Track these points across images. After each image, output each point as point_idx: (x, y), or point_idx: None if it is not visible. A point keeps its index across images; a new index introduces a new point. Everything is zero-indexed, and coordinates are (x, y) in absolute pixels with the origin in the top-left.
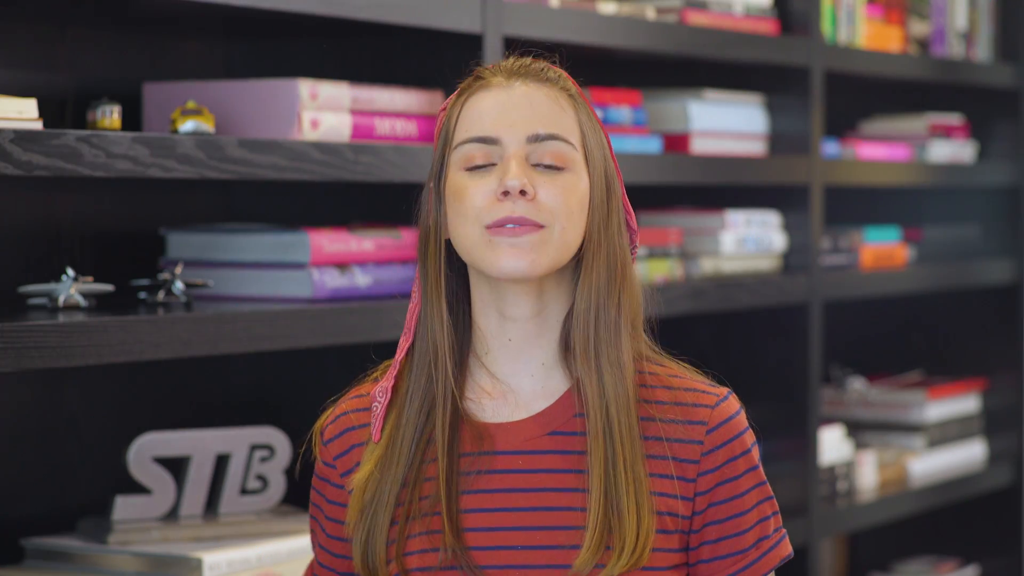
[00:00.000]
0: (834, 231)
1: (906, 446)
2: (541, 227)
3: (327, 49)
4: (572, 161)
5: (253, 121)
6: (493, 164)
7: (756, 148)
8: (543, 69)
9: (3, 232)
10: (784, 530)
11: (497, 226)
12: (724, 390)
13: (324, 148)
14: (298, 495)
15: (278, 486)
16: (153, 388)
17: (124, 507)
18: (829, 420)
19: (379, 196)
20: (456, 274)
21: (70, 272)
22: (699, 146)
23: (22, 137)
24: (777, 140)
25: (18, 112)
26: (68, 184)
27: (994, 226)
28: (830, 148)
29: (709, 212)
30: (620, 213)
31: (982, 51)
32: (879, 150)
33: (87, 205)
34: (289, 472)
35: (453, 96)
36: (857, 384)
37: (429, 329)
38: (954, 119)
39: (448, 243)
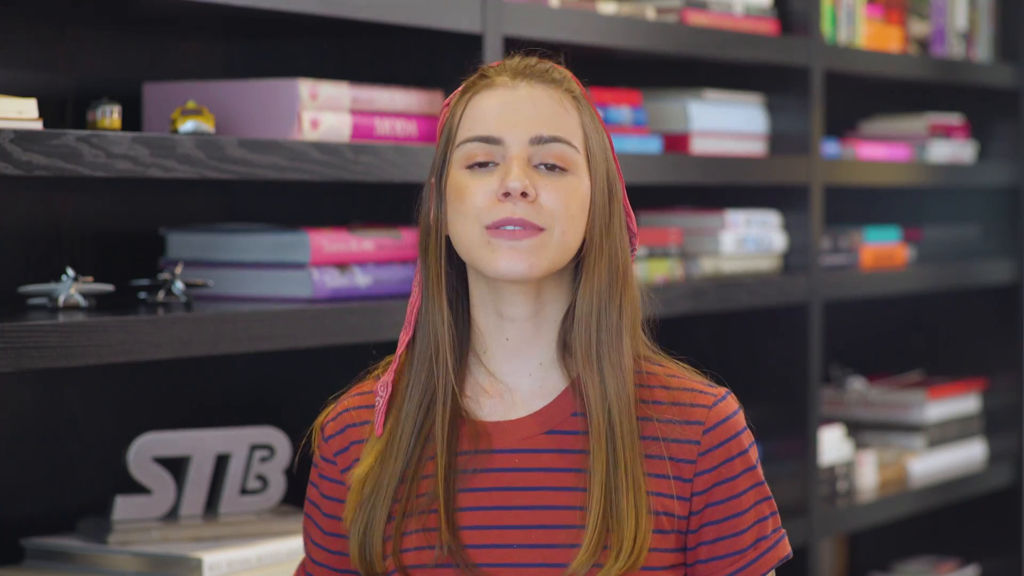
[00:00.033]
0: (834, 231)
1: (906, 446)
2: (541, 230)
3: (327, 49)
4: (574, 163)
5: (253, 121)
6: (495, 163)
7: (756, 148)
8: (548, 70)
9: (3, 232)
10: (783, 531)
11: (497, 227)
12: (722, 390)
13: (324, 148)
14: (298, 495)
15: (278, 486)
16: (153, 388)
17: (124, 507)
18: (829, 420)
19: (379, 196)
20: (456, 271)
21: (70, 272)
22: (699, 146)
23: (22, 137)
24: (777, 140)
25: (18, 112)
26: (68, 184)
27: (994, 226)
28: (830, 148)
29: (709, 212)
30: (621, 216)
31: (982, 51)
32: (879, 150)
33: (87, 205)
34: (289, 472)
35: (457, 92)
36: (857, 384)
37: (430, 324)
38: (954, 119)
39: (448, 240)
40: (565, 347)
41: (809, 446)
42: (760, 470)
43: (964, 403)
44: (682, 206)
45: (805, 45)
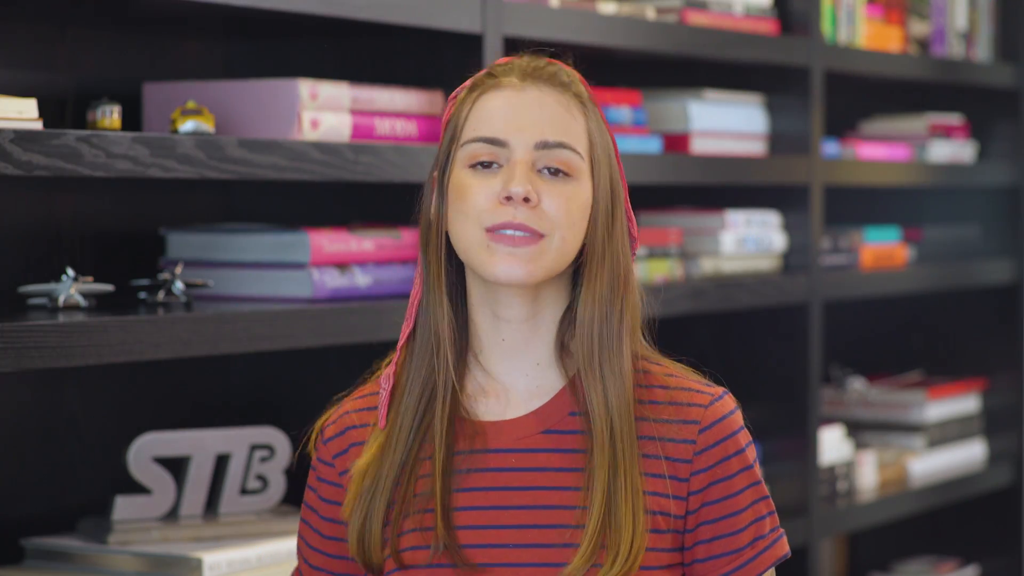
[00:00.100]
0: (834, 231)
1: (906, 446)
2: (540, 237)
3: (327, 49)
4: (578, 170)
5: (253, 121)
6: (499, 165)
7: (756, 148)
8: (556, 72)
9: (3, 232)
10: (782, 530)
11: (497, 230)
12: (719, 389)
13: (324, 148)
14: (298, 495)
15: (278, 486)
16: (153, 388)
17: (124, 507)
18: (829, 420)
19: (379, 196)
20: (455, 268)
21: (70, 272)
22: (699, 146)
23: (22, 137)
24: (777, 140)
25: (18, 112)
26: (68, 184)
27: (994, 226)
28: (830, 148)
29: (709, 212)
30: (623, 221)
31: (982, 51)
32: (879, 150)
33: (87, 205)
34: (289, 472)
35: (465, 87)
36: (857, 384)
37: (431, 319)
38: (954, 119)
39: (448, 236)
40: (562, 347)
41: (809, 446)
42: (757, 469)
43: (964, 403)
44: (682, 206)
45: (805, 45)
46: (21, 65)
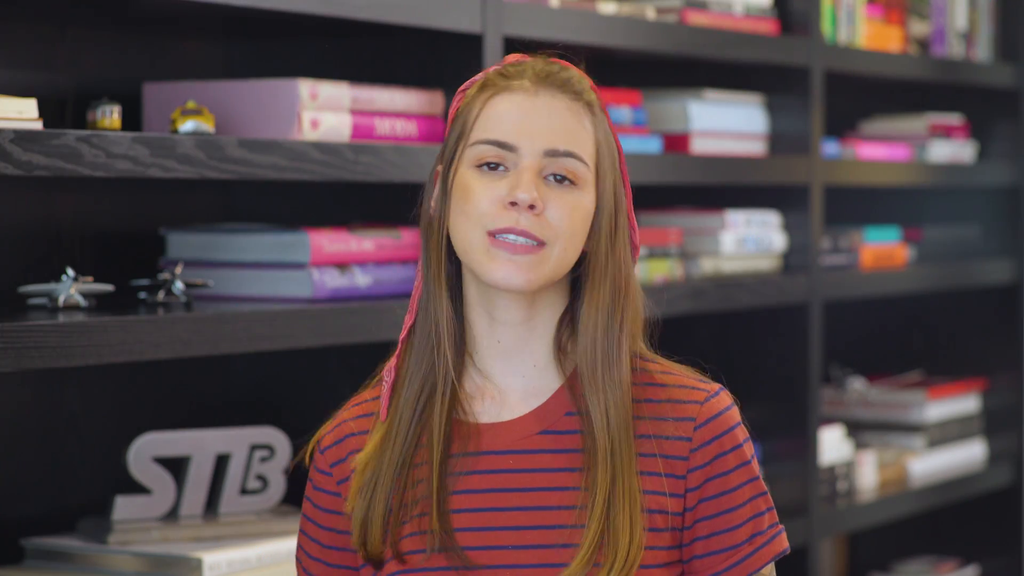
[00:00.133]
0: (834, 231)
1: (906, 446)
2: (542, 245)
3: (327, 49)
4: (583, 180)
5: (253, 121)
6: (505, 168)
7: (756, 148)
8: (570, 79)
9: (3, 232)
10: (781, 526)
11: (499, 234)
12: (715, 386)
13: (324, 148)
14: (298, 495)
15: (278, 486)
16: (153, 388)
17: (124, 507)
18: (829, 420)
19: (379, 196)
20: (454, 266)
21: (70, 272)
22: (699, 146)
23: (22, 137)
24: (777, 140)
25: (18, 112)
26: (68, 184)
27: (994, 226)
28: (830, 148)
29: (709, 212)
30: (625, 230)
31: (982, 51)
32: (879, 150)
33: (87, 205)
34: (289, 472)
35: (475, 84)
36: (857, 384)
37: (432, 314)
38: (954, 119)
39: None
40: (559, 348)
41: (809, 446)
42: (755, 465)
43: (964, 403)
44: (682, 206)
45: (805, 45)
46: (21, 65)
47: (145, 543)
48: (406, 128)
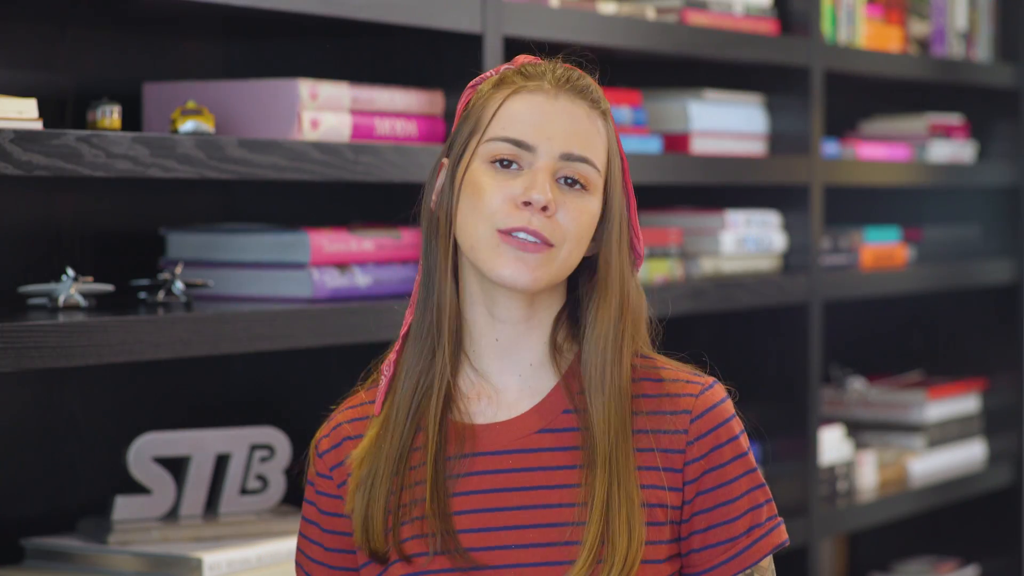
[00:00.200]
0: (834, 231)
1: (906, 446)
2: (550, 246)
3: (327, 49)
4: (594, 185)
5: (253, 121)
6: (519, 166)
7: (756, 148)
8: (588, 87)
9: (3, 232)
10: (780, 519)
11: (509, 232)
12: (709, 379)
13: (324, 148)
14: (298, 495)
15: (278, 486)
16: (153, 388)
17: (124, 507)
18: (829, 420)
19: (379, 196)
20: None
21: (70, 272)
22: (699, 146)
23: (22, 137)
24: (777, 140)
25: (18, 112)
26: (68, 184)
27: (994, 226)
28: (830, 148)
29: (709, 212)
30: (628, 236)
31: (982, 51)
32: (879, 150)
33: (87, 205)
34: (289, 472)
35: (489, 80)
36: (857, 384)
37: (436, 305)
38: (954, 119)
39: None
40: (555, 346)
41: (809, 446)
42: (752, 457)
43: (964, 403)
44: (682, 206)
45: (805, 45)
46: (21, 65)
47: (145, 543)
48: (406, 128)
